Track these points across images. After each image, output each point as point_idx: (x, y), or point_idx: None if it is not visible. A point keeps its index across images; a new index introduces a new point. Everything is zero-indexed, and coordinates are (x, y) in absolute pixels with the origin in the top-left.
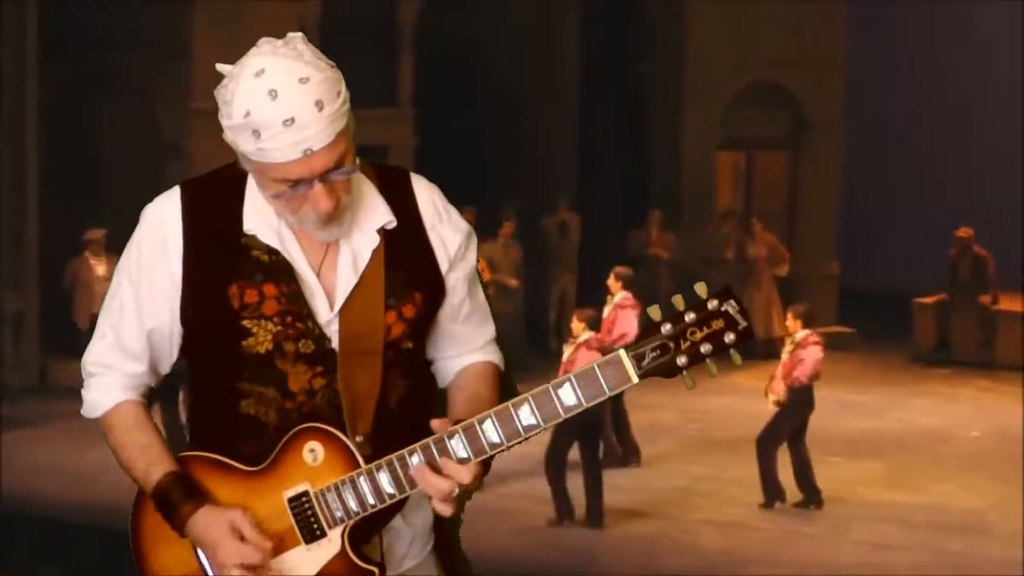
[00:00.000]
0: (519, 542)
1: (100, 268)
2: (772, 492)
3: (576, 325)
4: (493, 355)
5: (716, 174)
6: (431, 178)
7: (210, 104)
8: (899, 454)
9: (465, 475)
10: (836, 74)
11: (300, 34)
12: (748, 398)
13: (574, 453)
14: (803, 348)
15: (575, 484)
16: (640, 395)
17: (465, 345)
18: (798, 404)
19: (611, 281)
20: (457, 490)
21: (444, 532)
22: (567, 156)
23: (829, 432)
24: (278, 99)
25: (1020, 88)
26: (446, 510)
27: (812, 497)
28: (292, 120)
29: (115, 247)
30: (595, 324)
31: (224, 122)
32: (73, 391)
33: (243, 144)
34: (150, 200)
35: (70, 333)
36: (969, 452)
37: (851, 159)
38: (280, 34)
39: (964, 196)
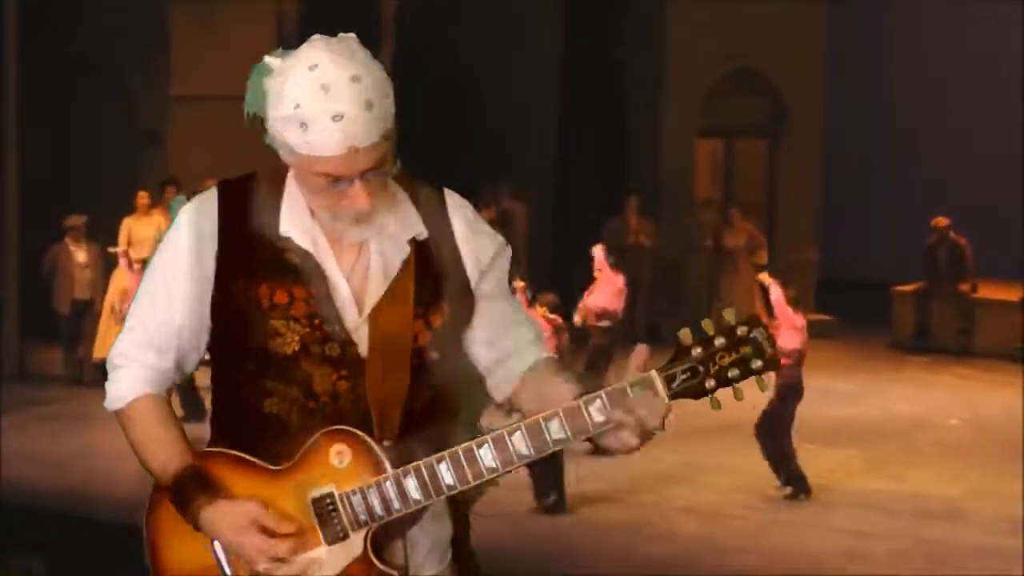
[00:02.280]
0: (493, 530)
1: (80, 255)
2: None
3: (538, 311)
4: (546, 351)
5: (695, 162)
6: (412, 167)
7: (188, 92)
8: (877, 441)
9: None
10: (815, 62)
11: (353, 35)
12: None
13: None
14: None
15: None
16: None
17: (514, 341)
18: (785, 391)
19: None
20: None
21: (462, 545)
22: (547, 145)
23: (807, 419)
24: (329, 94)
25: (1001, 86)
26: (632, 441)
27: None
28: (341, 116)
29: (95, 233)
30: (555, 309)
31: (272, 112)
32: (51, 378)
33: (290, 136)
34: (128, 187)
35: (49, 320)
36: (948, 440)
37: (830, 147)
38: (259, 21)
39: (943, 185)
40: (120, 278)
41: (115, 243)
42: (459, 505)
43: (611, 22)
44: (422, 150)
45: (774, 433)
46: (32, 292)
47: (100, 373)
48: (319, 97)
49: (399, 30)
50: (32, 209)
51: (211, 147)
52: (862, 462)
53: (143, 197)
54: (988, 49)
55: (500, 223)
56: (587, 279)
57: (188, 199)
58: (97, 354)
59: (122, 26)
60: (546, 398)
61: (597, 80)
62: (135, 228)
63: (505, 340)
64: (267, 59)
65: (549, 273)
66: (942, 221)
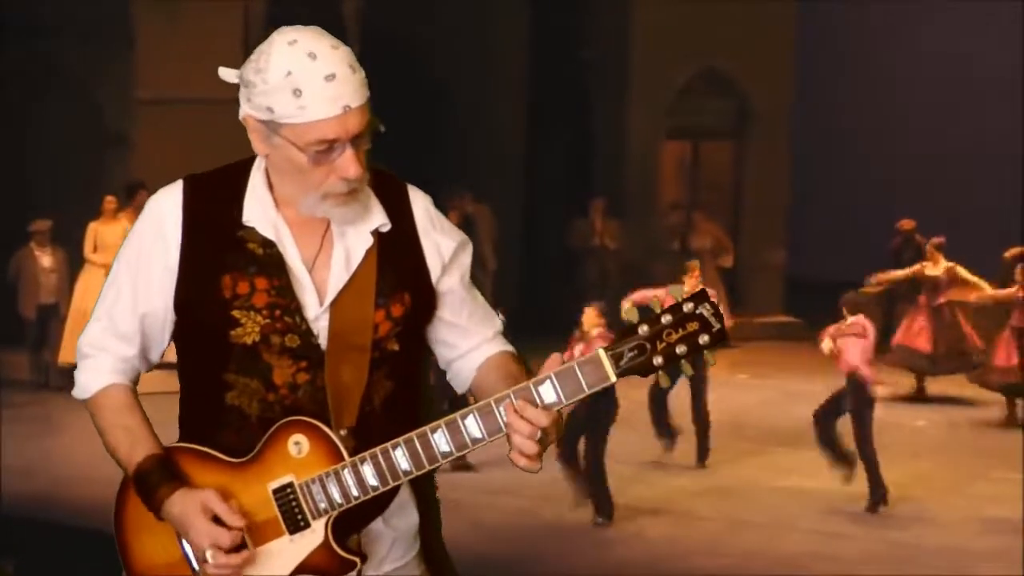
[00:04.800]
0: (461, 533)
1: (45, 259)
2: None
3: (591, 319)
4: (506, 345)
5: (661, 164)
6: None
7: (154, 94)
8: (845, 443)
9: (543, 418)
10: (782, 63)
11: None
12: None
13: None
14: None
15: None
16: None
17: (477, 336)
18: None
19: (588, 318)
20: (539, 434)
21: (429, 537)
22: (512, 146)
23: (775, 421)
24: (318, 59)
25: (965, 87)
26: (530, 463)
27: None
28: (333, 76)
29: (60, 238)
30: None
31: (257, 90)
32: (16, 383)
33: (281, 107)
34: (94, 190)
35: (14, 325)
36: (915, 441)
37: (798, 149)
38: (226, 22)
39: (909, 187)
40: (85, 282)
41: (81, 247)
42: (426, 495)
43: (577, 22)
44: (386, 151)
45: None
46: None
47: (66, 378)
48: (308, 63)
49: (363, 30)
50: None
51: (178, 150)
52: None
53: (110, 201)
54: (954, 50)
55: (464, 227)
56: (552, 281)
57: None
58: (63, 359)
59: (87, 27)
60: (493, 392)
61: (563, 81)
62: (101, 232)
63: (465, 336)
64: (221, 72)
65: (515, 275)
66: (908, 223)
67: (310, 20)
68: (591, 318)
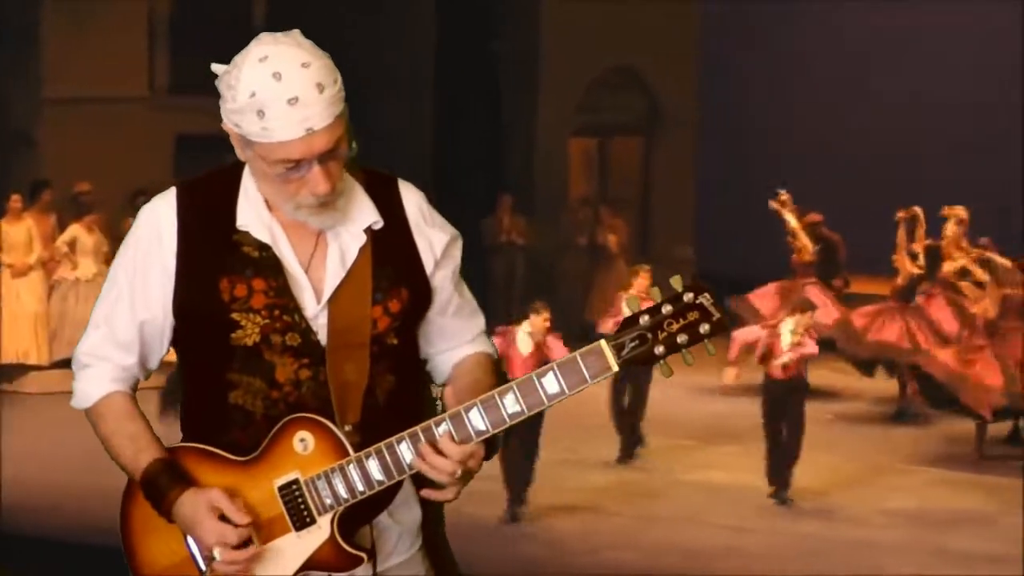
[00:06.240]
0: None
1: None
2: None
3: (538, 325)
4: (485, 346)
5: (570, 159)
6: None
7: (61, 93)
8: (754, 437)
9: (462, 453)
10: (690, 60)
11: (297, 30)
12: (609, 381)
13: None
14: None
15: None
16: None
17: (456, 338)
18: None
19: (535, 324)
20: (459, 471)
21: (432, 531)
22: (422, 142)
23: (684, 415)
24: (282, 80)
25: (878, 83)
26: (446, 494)
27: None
28: (296, 99)
29: None
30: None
31: (228, 106)
32: None
33: (247, 125)
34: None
35: None
36: (823, 434)
37: (707, 146)
38: (131, 22)
39: (815, 181)
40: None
41: None
42: None
43: (486, 13)
44: None
45: None
46: None
47: None
48: (272, 84)
49: (271, 29)
50: None
51: (84, 149)
52: (738, 458)
53: (15, 200)
54: (863, 48)
55: None
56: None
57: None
58: None
59: None
60: (461, 393)
61: (472, 75)
62: (7, 232)
63: (445, 336)
64: (214, 67)
65: None
66: (815, 217)
67: (217, 21)
68: (538, 324)
